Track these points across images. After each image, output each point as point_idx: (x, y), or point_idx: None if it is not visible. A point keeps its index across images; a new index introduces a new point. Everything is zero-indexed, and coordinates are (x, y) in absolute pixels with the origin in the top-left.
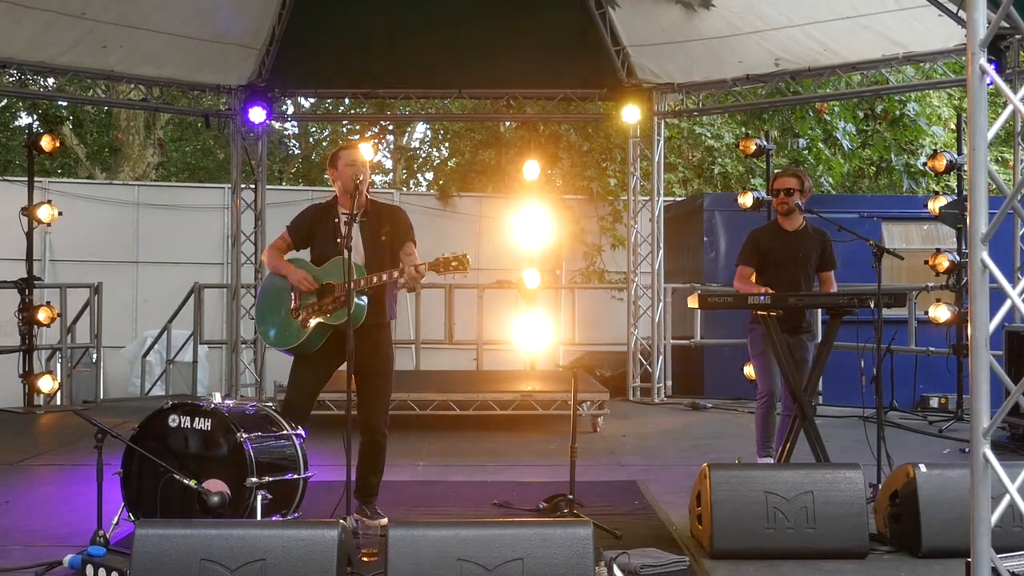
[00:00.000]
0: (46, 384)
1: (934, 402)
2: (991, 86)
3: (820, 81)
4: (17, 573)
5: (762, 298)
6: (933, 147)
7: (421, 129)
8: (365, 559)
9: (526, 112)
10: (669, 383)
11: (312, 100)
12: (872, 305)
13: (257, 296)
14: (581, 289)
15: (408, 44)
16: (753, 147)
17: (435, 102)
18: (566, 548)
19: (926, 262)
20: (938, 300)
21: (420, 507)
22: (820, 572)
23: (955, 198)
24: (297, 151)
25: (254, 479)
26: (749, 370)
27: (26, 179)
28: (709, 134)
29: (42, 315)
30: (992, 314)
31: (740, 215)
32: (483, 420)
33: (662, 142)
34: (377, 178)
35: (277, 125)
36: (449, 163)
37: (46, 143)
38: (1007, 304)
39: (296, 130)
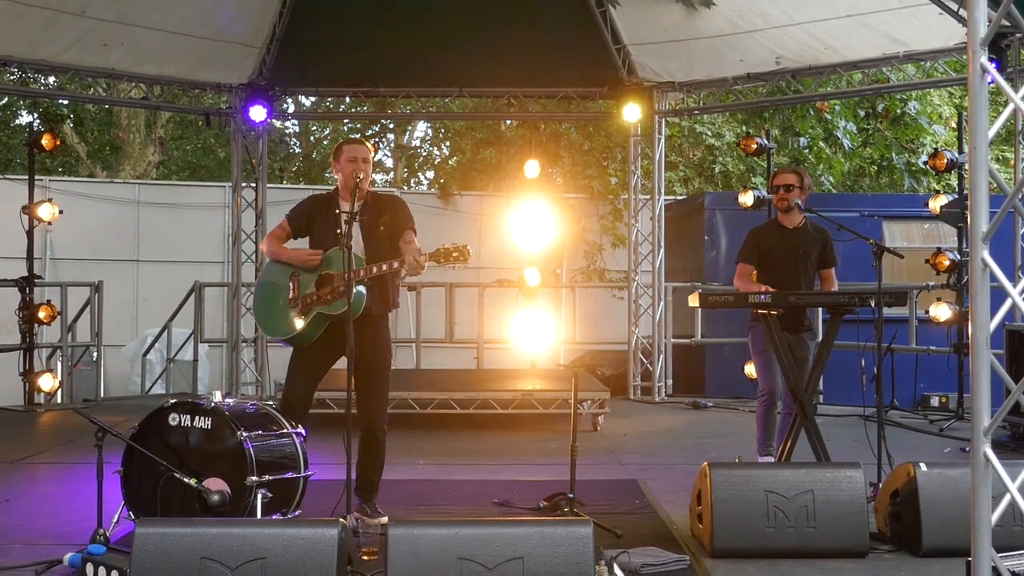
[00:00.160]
0: (47, 382)
1: (935, 401)
2: (992, 85)
3: (821, 80)
4: (17, 571)
5: (763, 297)
6: (934, 146)
7: (422, 128)
8: (365, 558)
9: (527, 111)
10: (670, 382)
11: (313, 99)
12: (873, 304)
13: (255, 286)
14: (582, 288)
15: (409, 43)
16: (754, 146)
17: (436, 101)
18: (566, 547)
19: (927, 261)
20: (939, 299)
21: (420, 506)
22: (821, 571)
23: (956, 197)
24: (298, 150)
25: (254, 478)
26: (750, 369)
27: (27, 177)
28: (710, 133)
29: (43, 313)
30: (993, 313)
31: (741, 214)
32: (484, 419)
33: (663, 141)
34: (378, 177)
35: (278, 124)
36: (450, 162)
37: (46, 142)
38: (1008, 303)
39: (297, 129)
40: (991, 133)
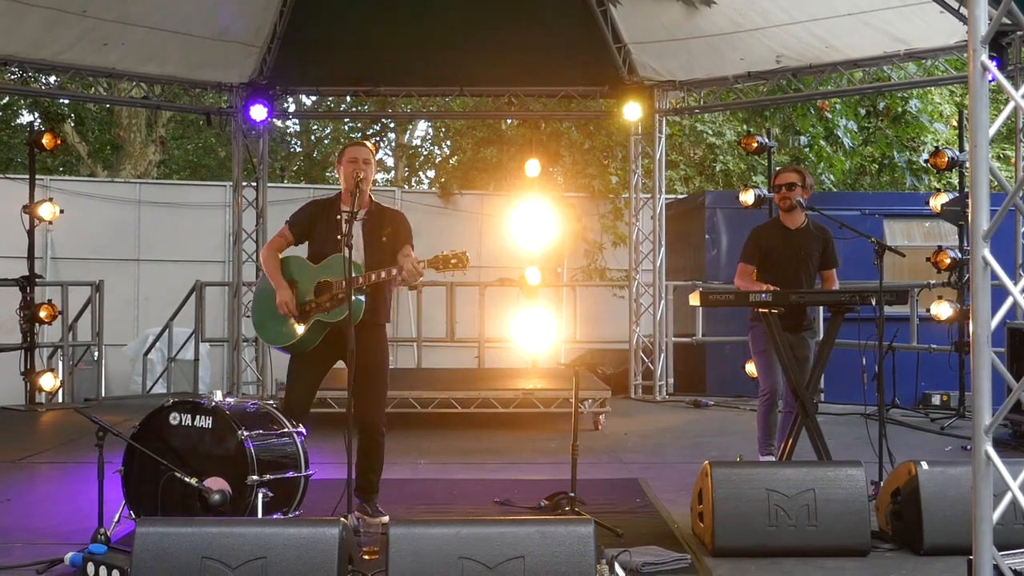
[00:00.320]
0: (48, 382)
1: (936, 399)
2: (992, 83)
3: (822, 78)
4: (18, 571)
5: (764, 296)
6: (935, 144)
7: (423, 127)
8: (366, 557)
9: (528, 110)
10: (671, 381)
11: (313, 98)
12: (874, 302)
13: (254, 293)
14: (583, 287)
15: (410, 42)
16: (755, 144)
17: (436, 100)
18: (567, 546)
19: (928, 259)
20: (940, 297)
21: (421, 505)
22: (822, 570)
23: (957, 195)
24: (299, 149)
25: (255, 477)
26: (751, 368)
27: (28, 177)
28: (711, 131)
29: (44, 313)
30: (994, 311)
31: (742, 213)
32: (484, 418)
33: (663, 139)
34: (378, 176)
35: (279, 123)
36: (451, 161)
37: (47, 141)
38: (1009, 301)
39: (298, 128)
40: (992, 131)
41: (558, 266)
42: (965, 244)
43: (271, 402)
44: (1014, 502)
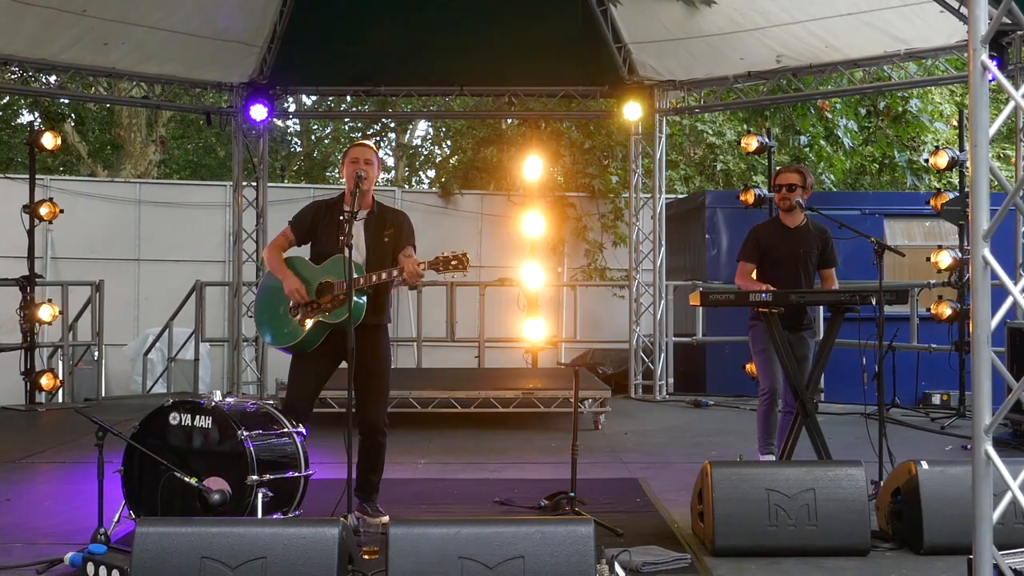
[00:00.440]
0: (48, 382)
1: (936, 399)
2: (993, 82)
3: (822, 78)
4: (18, 571)
5: (764, 295)
6: (935, 143)
7: (423, 126)
8: (366, 557)
9: (528, 109)
10: (671, 380)
11: (314, 97)
12: (874, 302)
13: (257, 294)
14: (583, 287)
15: (410, 41)
16: (754, 144)
17: (437, 99)
18: (567, 546)
19: (928, 259)
20: (940, 297)
21: (421, 505)
22: (822, 570)
23: (957, 194)
24: (299, 149)
25: (255, 477)
26: (752, 367)
27: (28, 176)
28: (711, 131)
29: (44, 313)
30: (994, 311)
31: (742, 212)
32: (485, 418)
33: (664, 139)
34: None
35: (279, 123)
36: (451, 161)
37: (48, 141)
38: (1009, 301)
39: (298, 128)
40: (992, 131)
41: (558, 266)
42: (965, 244)
43: (271, 402)
44: (1014, 501)
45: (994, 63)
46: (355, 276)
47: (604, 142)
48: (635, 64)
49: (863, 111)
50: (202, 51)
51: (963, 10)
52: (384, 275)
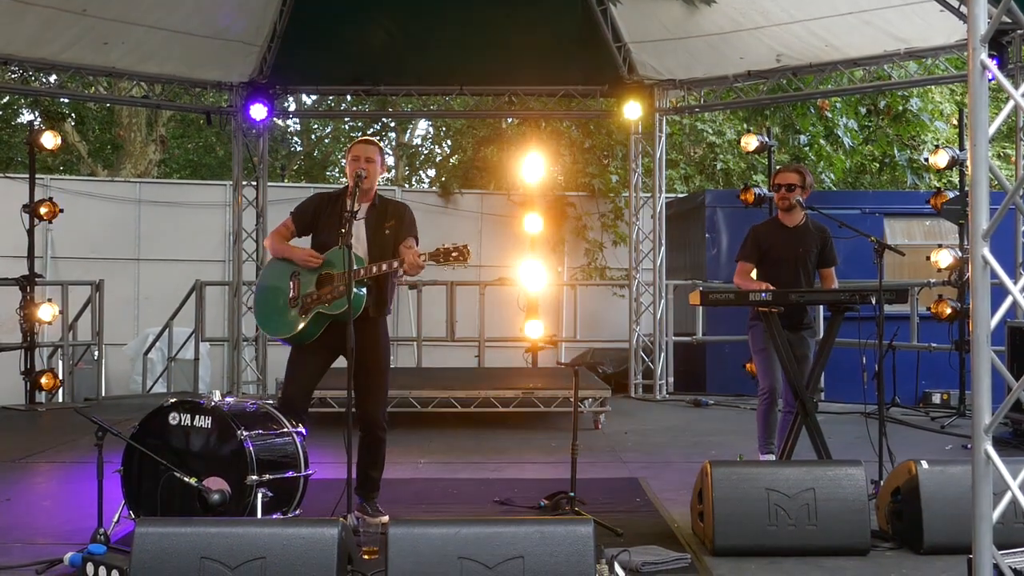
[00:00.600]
0: (47, 381)
1: (936, 398)
2: (992, 82)
3: (822, 77)
4: (18, 571)
5: (764, 295)
6: (935, 142)
7: (423, 126)
8: (366, 557)
9: (528, 108)
10: (671, 380)
11: (314, 97)
12: (874, 301)
13: (257, 285)
14: (583, 286)
15: (410, 41)
16: (753, 144)
17: (437, 99)
18: (567, 546)
19: (928, 258)
20: (940, 296)
21: (421, 505)
22: (822, 569)
23: (957, 194)
24: (299, 148)
25: (254, 477)
26: (752, 366)
27: (28, 176)
28: (711, 130)
29: (44, 312)
30: (994, 310)
31: (742, 211)
32: (484, 417)
33: (664, 138)
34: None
35: (280, 122)
36: (451, 160)
37: (48, 140)
38: (1008, 300)
39: (298, 127)
40: (991, 130)
41: (558, 265)
42: (965, 243)
43: (271, 402)
44: (1014, 501)
45: (994, 62)
46: (356, 267)
47: (604, 141)
48: (635, 63)
49: (863, 110)
50: (202, 50)
51: (963, 9)
52: (384, 266)
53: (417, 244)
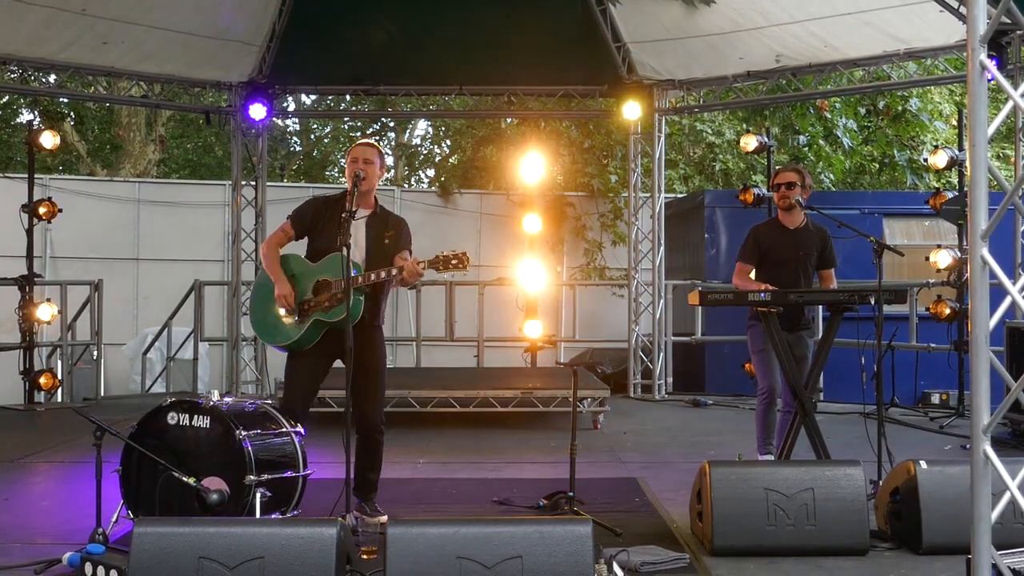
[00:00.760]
0: (46, 381)
1: (935, 398)
2: (992, 82)
3: (821, 77)
4: (16, 571)
5: (763, 295)
6: (935, 143)
7: (422, 126)
8: (364, 557)
9: (527, 108)
10: (670, 380)
11: (313, 96)
12: (873, 301)
13: (252, 291)
14: (582, 286)
15: (409, 41)
16: (753, 144)
17: (436, 99)
18: (566, 546)
19: (927, 258)
20: (939, 296)
21: (420, 504)
22: (820, 569)
23: (956, 194)
24: (298, 148)
25: (253, 477)
26: (751, 366)
27: (27, 176)
28: (710, 131)
29: (43, 312)
30: (993, 310)
31: (741, 212)
32: (483, 417)
33: (663, 139)
34: None
35: (279, 122)
36: (450, 160)
37: (47, 140)
38: (1007, 300)
39: (298, 127)
40: (991, 130)
41: (557, 265)
42: (964, 243)
43: (270, 401)
44: (1012, 501)
45: (993, 63)
46: (353, 274)
47: (603, 141)
48: (634, 63)
49: (862, 110)
50: (201, 50)
51: (962, 10)
52: (383, 273)
53: (411, 256)
